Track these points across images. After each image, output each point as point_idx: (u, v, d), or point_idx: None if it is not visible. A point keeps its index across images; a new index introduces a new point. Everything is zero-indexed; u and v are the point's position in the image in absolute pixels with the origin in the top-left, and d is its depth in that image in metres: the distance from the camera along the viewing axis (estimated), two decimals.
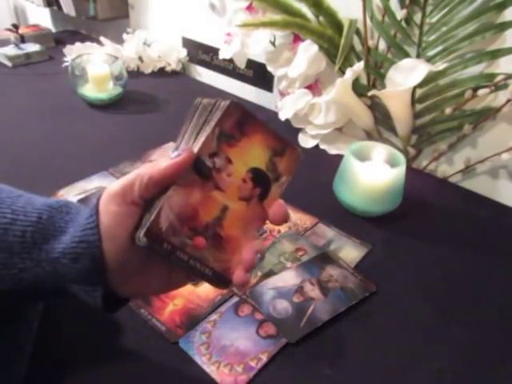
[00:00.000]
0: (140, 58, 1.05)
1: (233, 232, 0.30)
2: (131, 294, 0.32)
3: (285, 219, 0.31)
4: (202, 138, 0.29)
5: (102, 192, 0.29)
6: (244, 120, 0.30)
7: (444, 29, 0.63)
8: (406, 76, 0.64)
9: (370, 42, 0.70)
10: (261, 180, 0.31)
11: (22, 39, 1.16)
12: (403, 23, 0.67)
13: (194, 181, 0.28)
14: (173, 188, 0.28)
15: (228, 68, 0.99)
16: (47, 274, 0.28)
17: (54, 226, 0.29)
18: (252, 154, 0.30)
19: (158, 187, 0.28)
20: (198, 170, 0.29)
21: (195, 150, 0.29)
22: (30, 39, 1.17)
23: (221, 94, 0.99)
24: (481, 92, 0.62)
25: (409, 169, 0.59)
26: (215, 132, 0.29)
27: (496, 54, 0.61)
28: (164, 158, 0.28)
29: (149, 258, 0.29)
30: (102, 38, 1.07)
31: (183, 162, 0.28)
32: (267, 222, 0.31)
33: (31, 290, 0.29)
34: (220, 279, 0.29)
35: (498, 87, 0.61)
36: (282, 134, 0.31)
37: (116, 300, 0.31)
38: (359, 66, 0.66)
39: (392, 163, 0.59)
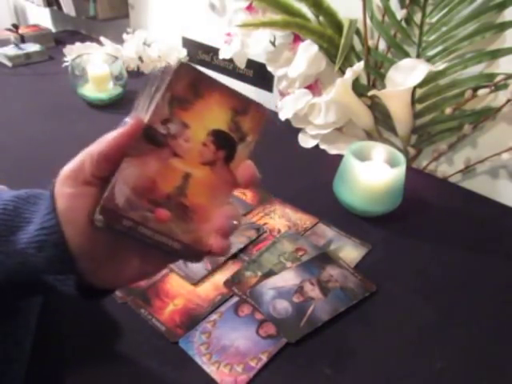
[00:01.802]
0: (140, 58, 1.05)
1: (199, 200, 0.27)
2: (106, 283, 0.30)
3: (254, 180, 0.29)
4: (152, 106, 0.27)
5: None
6: (197, 81, 0.27)
7: (444, 29, 0.63)
8: (405, 76, 0.64)
9: (370, 42, 0.70)
10: (224, 142, 0.28)
11: (22, 39, 1.16)
12: (403, 23, 0.67)
13: (148, 150, 0.26)
14: (125, 160, 0.26)
15: (228, 68, 0.99)
16: (18, 265, 0.28)
17: (19, 217, 0.28)
18: (210, 115, 0.28)
19: (110, 162, 0.26)
20: (150, 139, 0.26)
21: (146, 118, 0.27)
22: (30, 39, 1.17)
23: None
24: (481, 92, 0.62)
25: (409, 169, 0.59)
26: (165, 97, 0.27)
27: (496, 54, 0.61)
28: (112, 132, 0.26)
29: (117, 242, 0.28)
30: (101, 38, 1.07)
31: (130, 131, 0.26)
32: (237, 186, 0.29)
33: (7, 284, 0.29)
34: (191, 251, 0.27)
35: (498, 87, 0.61)
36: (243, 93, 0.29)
37: (96, 290, 0.30)
38: (359, 66, 0.66)
39: (392, 163, 0.59)
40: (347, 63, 0.70)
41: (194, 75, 0.27)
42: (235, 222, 0.28)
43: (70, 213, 0.26)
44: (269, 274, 0.50)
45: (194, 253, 0.27)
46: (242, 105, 0.29)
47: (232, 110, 0.28)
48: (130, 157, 0.26)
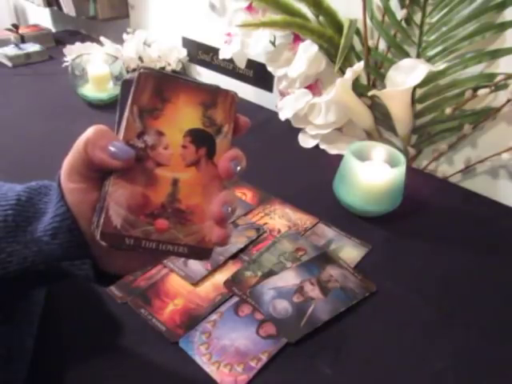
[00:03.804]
0: (140, 58, 1.05)
1: (193, 201, 0.28)
2: (118, 269, 0.31)
3: (232, 171, 0.28)
4: (123, 122, 0.27)
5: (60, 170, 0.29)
6: (160, 86, 0.27)
7: (444, 29, 0.63)
8: (405, 76, 0.64)
9: (370, 42, 0.70)
10: (201, 139, 0.28)
11: (22, 39, 1.16)
12: (403, 23, 0.67)
13: (132, 167, 0.27)
14: (112, 184, 0.26)
15: (228, 68, 0.99)
16: (34, 254, 0.29)
17: (33, 207, 0.29)
18: (182, 117, 0.28)
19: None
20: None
21: (120, 135, 0.27)
22: (30, 39, 1.17)
23: None
24: (481, 92, 0.62)
25: (409, 169, 0.59)
26: (134, 111, 0.27)
27: (496, 54, 0.61)
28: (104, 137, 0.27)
29: None
30: (102, 38, 1.07)
31: (120, 165, 0.26)
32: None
33: (23, 272, 0.29)
34: (198, 252, 0.28)
35: (498, 87, 0.61)
36: (206, 83, 0.29)
37: (108, 276, 0.31)
38: (359, 66, 0.66)
39: (392, 163, 0.59)
40: (347, 63, 0.70)
41: (156, 81, 0.27)
42: (229, 209, 0.28)
43: (77, 207, 0.27)
44: (269, 273, 0.50)
45: (202, 252, 0.28)
46: (209, 96, 0.29)
47: (201, 105, 0.28)
48: (115, 179, 0.27)
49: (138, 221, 0.27)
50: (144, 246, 0.27)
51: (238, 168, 0.28)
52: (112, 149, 0.26)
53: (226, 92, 0.29)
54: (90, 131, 0.27)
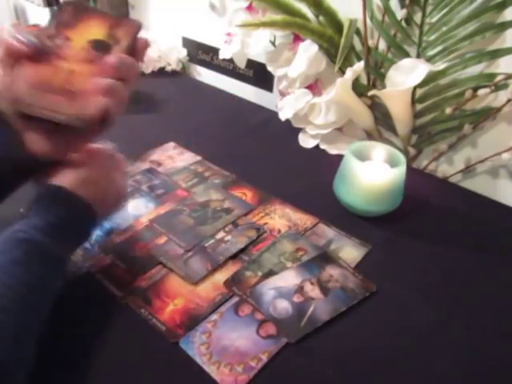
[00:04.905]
0: None
1: (83, 86, 0.36)
2: (43, 150, 0.38)
3: (116, 65, 0.37)
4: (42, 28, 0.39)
5: None
6: (79, 11, 0.39)
7: (444, 29, 0.63)
8: (405, 76, 0.64)
9: (370, 42, 0.70)
10: (100, 45, 0.38)
11: None
12: (403, 23, 0.67)
13: (40, 58, 0.36)
14: (22, 66, 0.35)
15: (228, 68, 0.99)
16: None
17: None
18: (89, 31, 0.39)
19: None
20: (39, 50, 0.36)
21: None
22: None
23: (221, 93, 0.99)
24: (481, 92, 0.62)
25: (409, 169, 0.59)
26: (52, 22, 0.38)
27: (496, 54, 0.61)
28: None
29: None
30: None
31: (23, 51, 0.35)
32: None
33: None
34: (77, 118, 0.36)
35: (498, 87, 0.61)
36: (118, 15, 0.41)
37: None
38: (359, 65, 0.66)
39: (392, 163, 0.59)
40: (347, 63, 0.70)
41: (75, 9, 0.39)
42: (110, 84, 0.37)
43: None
44: (269, 273, 0.50)
45: (81, 118, 0.36)
46: (116, 22, 0.39)
47: (108, 26, 0.39)
48: (26, 62, 0.35)
49: (34, 92, 0.35)
50: (33, 110, 0.35)
51: (124, 67, 0.38)
52: (19, 35, 0.35)
53: (130, 20, 0.40)
54: (9, 25, 0.36)
